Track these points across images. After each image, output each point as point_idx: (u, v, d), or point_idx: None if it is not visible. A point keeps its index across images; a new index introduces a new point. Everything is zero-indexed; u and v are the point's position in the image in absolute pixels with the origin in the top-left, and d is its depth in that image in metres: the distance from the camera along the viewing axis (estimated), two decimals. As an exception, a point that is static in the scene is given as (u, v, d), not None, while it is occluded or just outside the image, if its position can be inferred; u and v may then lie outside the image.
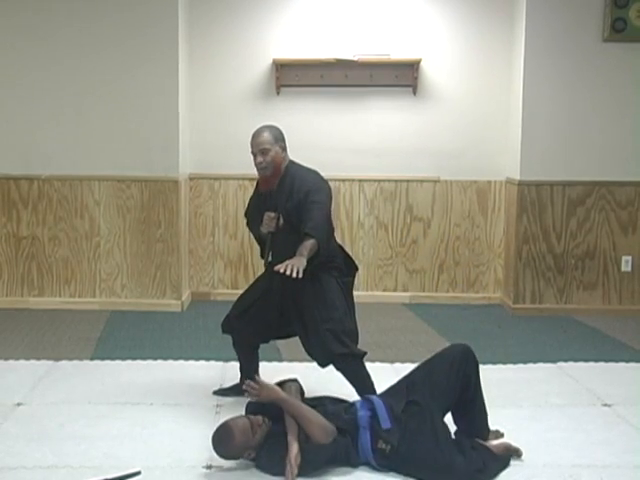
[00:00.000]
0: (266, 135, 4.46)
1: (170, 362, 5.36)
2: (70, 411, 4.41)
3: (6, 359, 5.34)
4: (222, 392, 4.71)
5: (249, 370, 4.63)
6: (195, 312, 6.84)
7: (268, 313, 4.49)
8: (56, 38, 6.71)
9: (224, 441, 3.61)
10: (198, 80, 7.12)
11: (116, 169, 6.78)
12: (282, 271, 3.93)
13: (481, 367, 5.34)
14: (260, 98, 7.12)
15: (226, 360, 5.30)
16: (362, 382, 4.34)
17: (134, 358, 5.43)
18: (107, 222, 6.86)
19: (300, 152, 7.08)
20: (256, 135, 4.48)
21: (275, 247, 4.44)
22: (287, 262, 3.97)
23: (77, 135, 6.75)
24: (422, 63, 7.08)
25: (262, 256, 4.58)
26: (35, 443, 3.96)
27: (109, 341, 5.94)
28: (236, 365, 5.26)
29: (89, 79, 6.74)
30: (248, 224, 4.74)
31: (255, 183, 4.73)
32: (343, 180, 7.21)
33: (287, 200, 4.37)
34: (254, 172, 7.08)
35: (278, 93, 7.12)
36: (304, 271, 3.94)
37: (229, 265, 7.28)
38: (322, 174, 7.09)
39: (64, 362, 5.32)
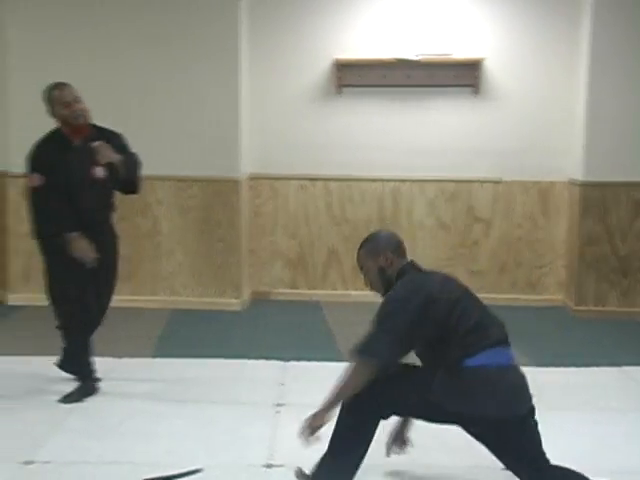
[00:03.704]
0: (74, 88, 4.65)
1: (230, 361, 5.39)
2: (132, 408, 4.46)
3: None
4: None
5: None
6: (255, 311, 6.88)
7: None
8: (116, 35, 6.81)
9: None
10: (259, 79, 7.14)
11: (177, 169, 6.85)
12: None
13: (542, 370, 5.33)
14: (321, 98, 7.13)
15: (286, 360, 5.31)
16: (73, 355, 4.72)
17: (195, 356, 5.47)
18: (169, 221, 6.93)
19: (361, 152, 7.16)
20: (63, 86, 4.64)
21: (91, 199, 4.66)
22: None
23: (138, 135, 6.73)
24: (484, 62, 7.02)
25: (67, 229, 4.53)
26: (97, 439, 4.01)
27: (170, 339, 6.00)
28: (297, 364, 5.29)
29: (150, 78, 6.82)
30: (44, 196, 4.53)
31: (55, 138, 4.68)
32: (403, 180, 7.18)
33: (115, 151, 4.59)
34: (315, 172, 7.20)
35: (339, 93, 7.12)
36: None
37: (289, 265, 7.30)
38: (382, 174, 7.16)
39: (126, 359, 5.39)
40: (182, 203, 6.91)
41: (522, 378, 3.27)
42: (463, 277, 7.14)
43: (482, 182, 7.18)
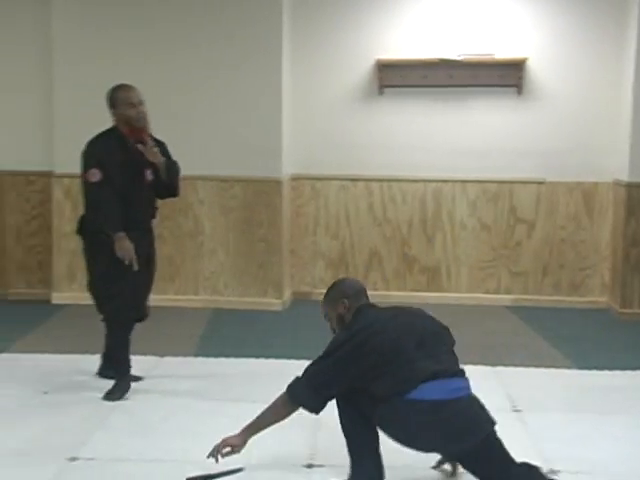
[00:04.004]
0: (138, 90, 4.70)
1: (271, 360, 5.41)
2: (174, 406, 4.50)
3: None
4: None
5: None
6: (296, 311, 6.89)
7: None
8: (160, 35, 6.86)
9: None
10: (301, 80, 7.15)
11: (219, 169, 6.88)
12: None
13: (586, 372, 5.27)
14: (363, 98, 7.13)
15: (327, 360, 5.31)
16: (113, 350, 4.78)
17: (236, 356, 5.50)
18: (211, 221, 6.96)
19: (402, 152, 7.15)
20: (130, 88, 4.68)
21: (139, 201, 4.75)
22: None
23: (181, 134, 6.78)
24: (528, 62, 6.96)
25: (117, 228, 4.54)
26: (140, 436, 4.05)
27: (212, 339, 6.03)
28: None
29: (193, 78, 6.85)
30: (103, 191, 4.56)
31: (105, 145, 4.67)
32: (445, 181, 7.15)
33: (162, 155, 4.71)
34: (356, 172, 7.19)
35: (381, 93, 7.11)
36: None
37: (330, 265, 7.30)
38: (424, 175, 7.13)
39: (169, 358, 5.43)
40: (224, 203, 6.94)
41: (463, 413, 3.21)
42: (505, 279, 7.15)
43: (525, 183, 7.12)
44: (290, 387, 3.43)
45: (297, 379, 3.43)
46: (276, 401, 3.46)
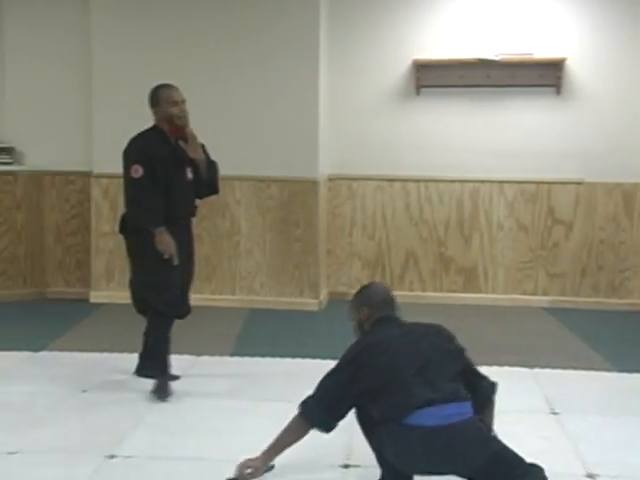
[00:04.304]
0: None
1: (307, 361, 5.40)
2: (211, 405, 4.51)
3: (150, 353, 5.50)
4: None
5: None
6: (332, 312, 6.88)
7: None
8: (197, 32, 6.87)
9: None
10: (337, 80, 7.15)
11: (256, 169, 6.90)
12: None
13: (626, 375, 5.20)
14: (400, 99, 7.11)
15: (363, 360, 5.30)
16: (156, 347, 4.76)
17: (272, 355, 5.51)
18: (247, 221, 6.99)
19: (439, 152, 7.12)
20: (173, 87, 4.73)
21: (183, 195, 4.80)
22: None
23: (217, 135, 6.79)
24: (567, 62, 6.91)
25: (158, 223, 4.56)
26: (177, 435, 4.06)
27: (248, 338, 6.05)
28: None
29: (230, 78, 6.87)
30: (145, 187, 4.57)
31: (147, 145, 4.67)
32: (482, 181, 7.12)
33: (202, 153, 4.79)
34: (393, 173, 7.17)
35: (418, 94, 7.09)
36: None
37: (366, 265, 7.29)
38: (461, 175, 7.10)
39: (205, 357, 5.45)
40: (261, 203, 6.96)
41: (460, 437, 3.09)
42: (543, 280, 7.10)
43: (563, 183, 7.07)
44: (303, 407, 3.41)
45: (309, 398, 3.41)
46: (292, 422, 3.44)
